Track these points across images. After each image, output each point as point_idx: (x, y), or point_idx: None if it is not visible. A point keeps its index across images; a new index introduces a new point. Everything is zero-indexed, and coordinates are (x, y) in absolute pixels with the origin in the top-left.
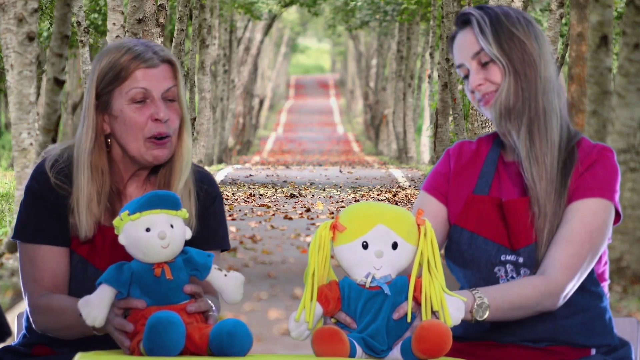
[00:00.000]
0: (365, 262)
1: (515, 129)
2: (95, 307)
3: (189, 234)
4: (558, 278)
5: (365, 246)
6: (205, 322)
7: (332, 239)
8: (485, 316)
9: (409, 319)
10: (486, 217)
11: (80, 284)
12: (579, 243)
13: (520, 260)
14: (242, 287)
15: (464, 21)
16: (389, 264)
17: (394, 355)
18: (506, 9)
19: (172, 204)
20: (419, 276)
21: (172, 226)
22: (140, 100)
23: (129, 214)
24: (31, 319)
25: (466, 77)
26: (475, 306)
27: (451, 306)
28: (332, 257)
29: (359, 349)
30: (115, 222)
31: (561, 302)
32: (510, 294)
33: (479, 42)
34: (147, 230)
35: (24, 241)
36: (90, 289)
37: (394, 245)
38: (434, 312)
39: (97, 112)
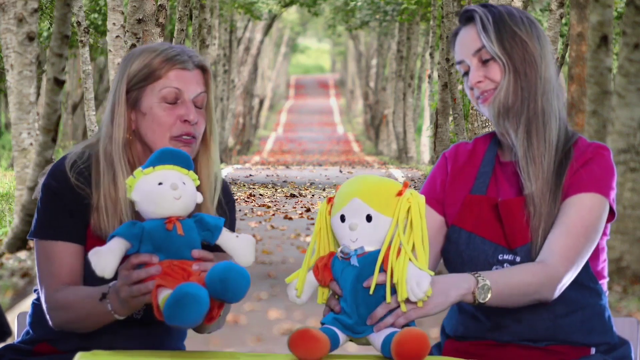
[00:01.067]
0: (344, 235)
1: (513, 128)
2: (106, 257)
3: (200, 198)
4: (557, 268)
5: (342, 219)
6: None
7: (329, 212)
8: (487, 298)
9: (371, 292)
10: (484, 217)
11: (91, 284)
12: (576, 236)
13: (518, 259)
14: (254, 248)
15: (467, 18)
16: (365, 237)
17: (375, 342)
18: (510, 9)
19: (184, 162)
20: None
21: (184, 183)
22: (172, 101)
23: (142, 171)
24: (48, 315)
25: (466, 73)
26: (477, 288)
27: (411, 279)
28: None
29: (341, 337)
30: (129, 181)
31: (557, 293)
32: (512, 280)
33: (481, 39)
34: (160, 184)
35: (43, 238)
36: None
37: (368, 218)
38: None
39: (127, 108)
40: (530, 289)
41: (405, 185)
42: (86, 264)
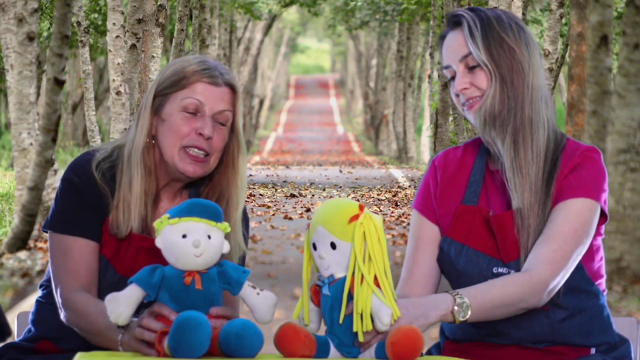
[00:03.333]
0: (318, 263)
1: (500, 137)
2: (121, 304)
3: (226, 248)
4: (541, 273)
5: (315, 248)
6: None
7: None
8: (467, 316)
9: (340, 320)
10: (476, 229)
11: (99, 284)
12: (563, 240)
13: (512, 273)
14: (274, 308)
15: (455, 22)
16: (335, 264)
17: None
18: (499, 13)
19: (213, 215)
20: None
21: (209, 237)
22: (192, 112)
23: (169, 218)
24: (62, 312)
25: (452, 78)
26: (455, 307)
27: (374, 312)
28: None
29: (333, 349)
30: (156, 224)
31: (546, 298)
32: (492, 292)
33: (468, 46)
34: (184, 236)
35: (60, 232)
36: (107, 291)
37: (333, 246)
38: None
39: (151, 113)
40: (514, 298)
41: (361, 208)
42: (100, 260)
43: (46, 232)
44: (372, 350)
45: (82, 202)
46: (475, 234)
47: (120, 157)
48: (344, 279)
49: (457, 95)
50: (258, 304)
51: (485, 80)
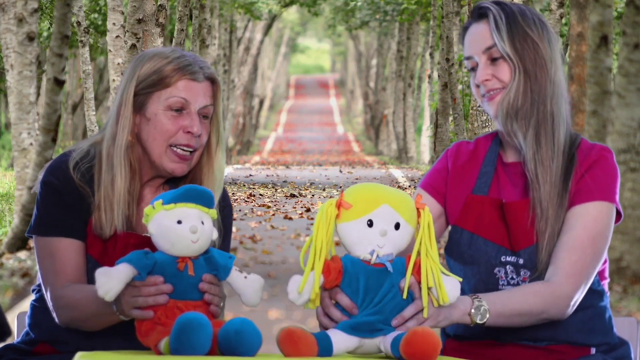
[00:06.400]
0: (369, 240)
1: (521, 130)
2: (112, 279)
3: (215, 235)
4: (564, 286)
5: (370, 224)
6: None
7: (336, 216)
8: (485, 319)
9: (404, 296)
10: (486, 218)
11: (93, 280)
12: (582, 249)
13: (521, 261)
14: (262, 291)
15: (480, 14)
16: (391, 243)
17: (386, 343)
18: (523, 8)
19: (207, 201)
20: (418, 256)
21: (202, 223)
22: (178, 109)
23: (162, 204)
24: (54, 313)
25: (473, 69)
26: (473, 310)
27: (447, 284)
28: None
29: (339, 340)
30: (147, 210)
31: (570, 310)
32: (512, 300)
33: (493, 38)
34: (179, 222)
35: (43, 235)
36: None
37: (397, 226)
38: (430, 289)
39: (132, 111)
40: (535, 308)
41: (419, 197)
42: (88, 261)
43: (31, 237)
44: (387, 345)
45: (64, 203)
46: (484, 223)
47: (97, 155)
48: (399, 259)
49: (478, 86)
50: (245, 287)
51: (508, 73)
